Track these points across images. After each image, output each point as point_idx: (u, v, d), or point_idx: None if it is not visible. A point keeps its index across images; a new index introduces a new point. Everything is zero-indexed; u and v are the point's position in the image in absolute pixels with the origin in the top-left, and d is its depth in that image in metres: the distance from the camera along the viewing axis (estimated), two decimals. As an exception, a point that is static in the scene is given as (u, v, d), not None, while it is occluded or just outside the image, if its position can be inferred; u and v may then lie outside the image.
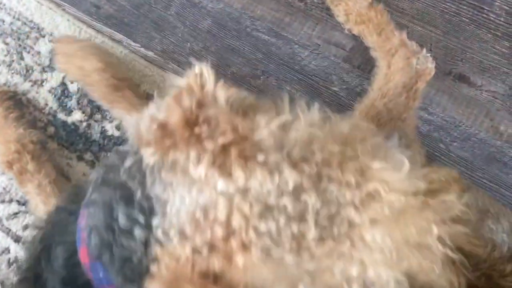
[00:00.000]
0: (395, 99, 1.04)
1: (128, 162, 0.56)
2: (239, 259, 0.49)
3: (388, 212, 0.49)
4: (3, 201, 1.16)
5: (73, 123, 1.21)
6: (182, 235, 0.50)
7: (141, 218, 0.54)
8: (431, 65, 1.09)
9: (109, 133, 1.19)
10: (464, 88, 1.16)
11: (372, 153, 0.51)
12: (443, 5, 1.18)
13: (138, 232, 0.54)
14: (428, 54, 1.09)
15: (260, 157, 0.49)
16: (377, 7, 1.10)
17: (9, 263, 1.14)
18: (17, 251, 1.13)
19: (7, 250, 1.15)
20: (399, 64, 1.06)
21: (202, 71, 0.53)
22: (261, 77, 1.21)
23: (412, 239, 0.50)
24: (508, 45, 1.17)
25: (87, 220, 0.59)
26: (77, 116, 1.21)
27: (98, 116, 1.20)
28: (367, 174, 0.49)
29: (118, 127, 1.20)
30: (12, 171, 1.11)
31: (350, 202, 0.49)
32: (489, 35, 1.17)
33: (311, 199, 0.48)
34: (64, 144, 1.21)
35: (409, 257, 0.50)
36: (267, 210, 0.49)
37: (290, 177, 0.48)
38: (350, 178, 0.49)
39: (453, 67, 1.14)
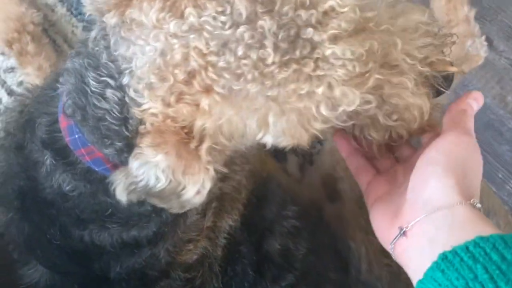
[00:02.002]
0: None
1: (93, 33, 0.58)
2: (204, 102, 0.51)
3: (346, 26, 0.50)
4: (3, 53, 1.16)
5: (86, -8, 1.19)
6: (150, 87, 0.52)
7: (110, 80, 0.57)
8: (483, 54, 1.07)
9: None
10: (486, 48, 1.14)
11: None
12: (490, -40, 1.14)
13: (110, 93, 0.57)
14: (485, 43, 1.07)
15: None
16: None
17: None
18: (8, 103, 1.13)
19: (-1, 100, 1.18)
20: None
21: None
22: None
23: (374, 53, 0.51)
24: (542, 16, 1.14)
25: (63, 87, 0.63)
26: (90, -14, 1.19)
27: (112, -9, 1.18)
28: None
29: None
30: (12, 51, 1.09)
31: (307, 23, 0.49)
32: (527, 1, 1.14)
33: (267, 24, 0.49)
34: (73, 11, 1.20)
35: (374, 72, 0.51)
36: (223, 45, 0.50)
37: (242, 5, 0.49)
38: None
39: (480, 26, 1.11)
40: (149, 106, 0.53)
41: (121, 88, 0.56)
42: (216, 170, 0.56)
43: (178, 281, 0.73)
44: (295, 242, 0.81)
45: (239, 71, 0.49)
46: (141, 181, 0.53)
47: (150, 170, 0.53)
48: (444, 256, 0.47)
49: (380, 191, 0.62)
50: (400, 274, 0.78)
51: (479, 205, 0.52)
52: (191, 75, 0.50)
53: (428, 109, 0.57)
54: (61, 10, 1.20)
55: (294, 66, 0.49)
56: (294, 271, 0.79)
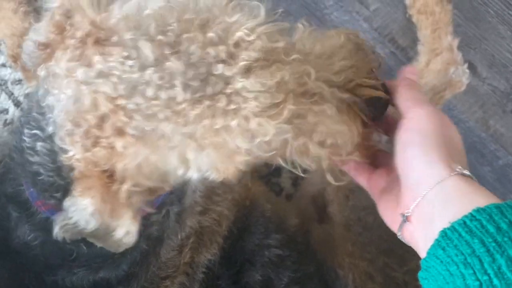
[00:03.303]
0: None
1: (29, 89, 0.62)
2: (118, 144, 0.51)
3: (255, 55, 0.50)
4: (10, 66, 1.19)
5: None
6: (70, 134, 0.53)
7: (39, 132, 0.58)
8: (465, 81, 1.09)
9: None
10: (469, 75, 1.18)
11: (231, 10, 0.52)
12: (475, -8, 1.18)
13: (40, 146, 0.58)
14: (467, 71, 1.09)
15: (115, 38, 0.51)
16: (446, 5, 1.09)
17: (6, 123, 1.19)
18: (15, 114, 1.17)
19: (6, 111, 1.20)
20: (437, 66, 1.06)
21: None
22: (281, 15, 1.22)
23: (287, 84, 0.51)
24: (524, 46, 1.19)
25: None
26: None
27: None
28: (229, 28, 0.51)
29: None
30: (17, 65, 1.11)
31: (218, 59, 0.50)
32: (509, 32, 1.18)
33: (174, 64, 0.49)
34: None
35: (288, 102, 0.51)
36: (132, 88, 0.50)
37: (147, 49, 0.49)
38: (211, 36, 0.50)
39: (464, 53, 1.14)
40: (73, 152, 0.53)
41: (49, 138, 0.56)
42: (139, 212, 0.56)
43: None
44: (277, 272, 0.79)
45: (149, 112, 0.50)
46: (72, 222, 0.54)
47: (79, 213, 0.53)
48: (444, 233, 0.46)
49: (381, 183, 0.61)
50: None
51: (467, 172, 0.51)
52: (102, 119, 0.51)
53: (353, 135, 0.55)
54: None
55: (207, 102, 0.49)
56: None
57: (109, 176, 0.54)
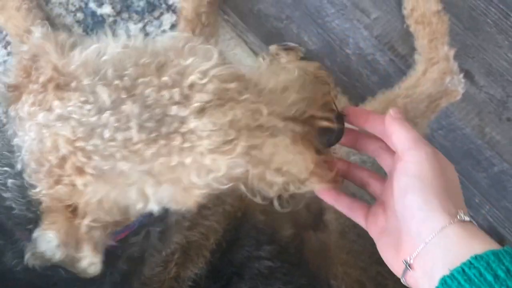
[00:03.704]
0: (416, 104, 1.07)
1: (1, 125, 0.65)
2: (79, 182, 0.55)
3: (207, 97, 0.53)
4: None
5: (101, 15, 1.28)
6: (34, 172, 0.57)
7: (9, 169, 0.62)
8: (460, 90, 1.11)
9: (132, 33, 1.26)
10: (466, 84, 1.20)
11: (186, 53, 0.55)
12: (474, 2, 1.20)
13: (10, 183, 0.62)
14: (463, 80, 1.12)
15: (74, 84, 0.54)
16: (443, 16, 1.11)
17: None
18: None
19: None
20: (434, 75, 1.09)
21: (37, 33, 0.61)
22: (284, 21, 1.25)
23: (239, 121, 0.54)
24: (521, 55, 1.21)
25: None
26: (107, 9, 1.27)
27: (125, 15, 1.27)
28: (183, 71, 0.54)
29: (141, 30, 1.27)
30: None
31: (172, 101, 0.53)
32: (506, 42, 1.20)
33: (129, 107, 0.52)
34: (89, 32, 1.26)
35: (241, 139, 0.54)
36: (91, 130, 0.53)
37: (104, 94, 0.53)
38: (166, 79, 0.53)
39: (462, 62, 1.17)
40: (40, 188, 0.57)
41: (19, 175, 0.60)
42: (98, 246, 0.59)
43: None
44: (266, 284, 0.79)
45: (107, 152, 0.53)
46: (40, 251, 0.58)
47: (46, 245, 0.57)
48: (443, 281, 0.46)
49: (379, 222, 0.60)
50: None
51: (467, 218, 0.51)
52: (63, 159, 0.54)
53: (307, 163, 0.58)
54: (78, 30, 1.25)
55: (162, 141, 0.52)
56: None
57: (73, 211, 0.57)
